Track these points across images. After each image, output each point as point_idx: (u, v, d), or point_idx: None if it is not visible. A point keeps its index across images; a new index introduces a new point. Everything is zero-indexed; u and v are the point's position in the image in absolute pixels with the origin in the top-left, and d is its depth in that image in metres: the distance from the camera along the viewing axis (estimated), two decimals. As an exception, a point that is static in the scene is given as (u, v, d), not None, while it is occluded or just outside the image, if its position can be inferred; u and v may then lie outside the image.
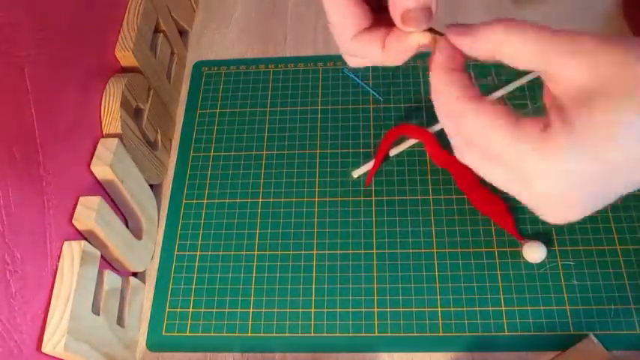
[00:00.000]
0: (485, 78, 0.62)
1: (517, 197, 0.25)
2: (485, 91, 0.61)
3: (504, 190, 0.26)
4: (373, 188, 0.57)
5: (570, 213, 0.23)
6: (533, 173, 0.22)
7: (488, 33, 0.24)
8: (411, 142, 0.58)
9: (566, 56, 0.22)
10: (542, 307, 0.50)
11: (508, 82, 0.61)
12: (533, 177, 0.22)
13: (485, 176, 0.26)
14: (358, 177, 0.57)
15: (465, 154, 0.26)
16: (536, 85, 0.61)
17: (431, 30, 0.27)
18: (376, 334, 0.50)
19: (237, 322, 0.51)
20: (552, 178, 0.22)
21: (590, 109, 0.21)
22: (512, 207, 0.54)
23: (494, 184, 0.26)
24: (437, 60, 0.26)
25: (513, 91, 0.60)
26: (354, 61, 0.30)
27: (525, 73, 0.61)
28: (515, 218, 0.53)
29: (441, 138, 0.56)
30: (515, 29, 0.23)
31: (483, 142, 0.24)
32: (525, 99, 0.60)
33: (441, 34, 0.26)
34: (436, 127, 0.58)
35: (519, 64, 0.24)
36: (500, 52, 0.24)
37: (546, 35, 0.23)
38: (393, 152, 0.58)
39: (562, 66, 0.22)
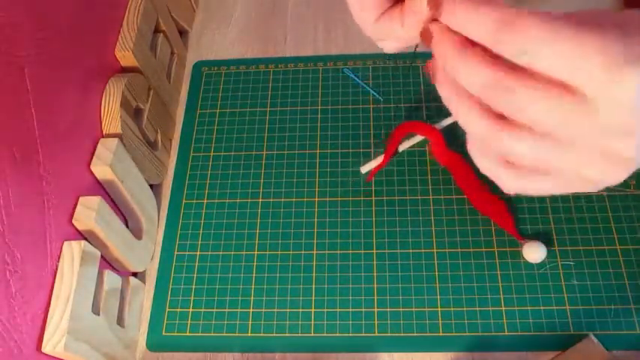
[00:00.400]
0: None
1: (562, 158, 0.23)
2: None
3: (540, 157, 0.24)
4: (373, 188, 0.57)
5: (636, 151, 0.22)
6: (598, 96, 0.20)
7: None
8: (418, 138, 0.58)
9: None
10: (542, 307, 0.50)
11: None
12: (598, 102, 0.20)
13: (520, 142, 0.23)
14: (365, 173, 0.57)
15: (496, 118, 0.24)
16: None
17: None
18: (376, 334, 0.50)
19: (237, 322, 0.51)
20: (626, 93, 0.20)
21: None
22: (512, 207, 0.54)
23: (529, 155, 0.24)
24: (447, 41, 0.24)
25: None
26: (387, 46, 0.30)
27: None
28: (515, 218, 0.53)
29: (447, 136, 0.56)
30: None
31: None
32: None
33: None
34: (444, 123, 0.57)
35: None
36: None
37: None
38: (402, 147, 0.58)
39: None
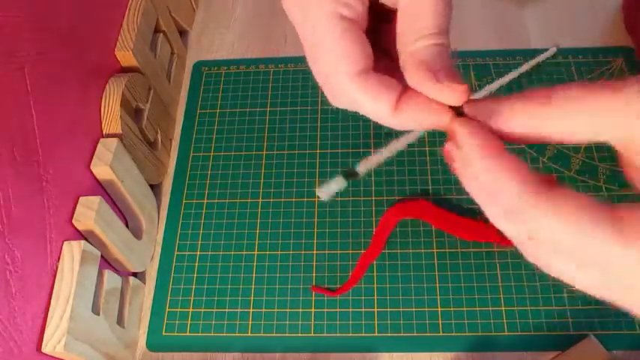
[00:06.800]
0: (486, 78, 0.62)
1: (606, 297, 0.21)
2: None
3: (592, 290, 0.22)
4: (373, 188, 0.57)
5: None
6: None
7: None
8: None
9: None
10: (542, 307, 0.50)
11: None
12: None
13: (562, 274, 0.21)
14: (329, 199, 0.55)
15: (534, 252, 0.21)
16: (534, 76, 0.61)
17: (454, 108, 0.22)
18: (376, 334, 0.50)
19: (237, 322, 0.52)
20: None
21: None
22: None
23: (572, 282, 0.21)
24: (473, 146, 0.21)
25: (510, 82, 0.60)
26: (341, 102, 0.24)
27: (519, 65, 0.61)
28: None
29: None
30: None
31: (568, 245, 0.19)
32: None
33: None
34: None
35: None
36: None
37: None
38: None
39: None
